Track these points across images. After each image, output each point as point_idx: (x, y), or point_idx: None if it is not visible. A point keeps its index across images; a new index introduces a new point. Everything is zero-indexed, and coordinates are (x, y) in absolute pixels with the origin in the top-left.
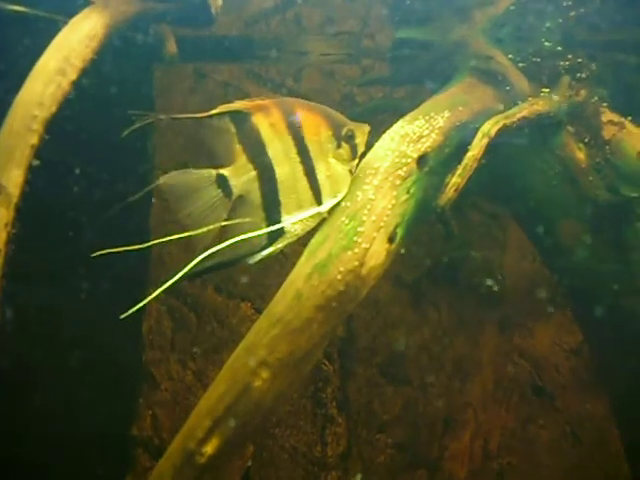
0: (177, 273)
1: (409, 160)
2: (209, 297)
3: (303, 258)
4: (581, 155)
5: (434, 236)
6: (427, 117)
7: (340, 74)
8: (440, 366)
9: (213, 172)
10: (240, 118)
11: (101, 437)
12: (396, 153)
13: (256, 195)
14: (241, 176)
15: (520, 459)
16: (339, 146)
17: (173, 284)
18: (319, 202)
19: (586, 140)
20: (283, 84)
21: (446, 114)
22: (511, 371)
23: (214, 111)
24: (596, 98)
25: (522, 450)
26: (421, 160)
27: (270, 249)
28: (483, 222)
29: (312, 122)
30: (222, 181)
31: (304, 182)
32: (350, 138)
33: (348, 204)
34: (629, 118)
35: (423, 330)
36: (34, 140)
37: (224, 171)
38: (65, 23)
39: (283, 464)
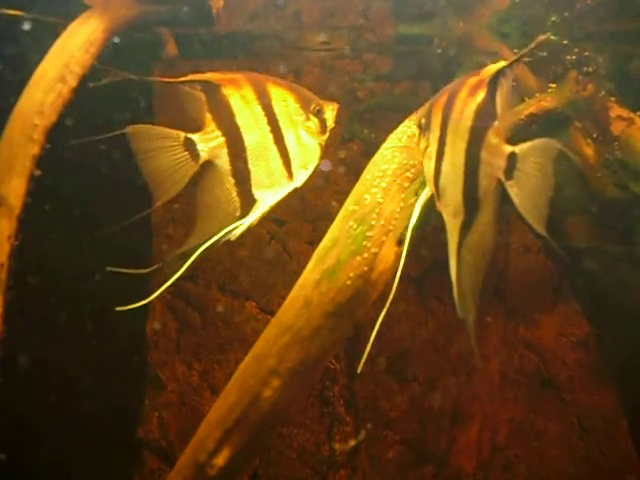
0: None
1: (417, 161)
2: (213, 297)
3: (311, 264)
4: (590, 151)
5: (438, 230)
6: None
7: (341, 69)
8: (446, 360)
9: (182, 134)
10: (211, 88)
11: (108, 440)
12: (404, 154)
13: (225, 161)
14: (209, 141)
15: (528, 451)
16: (308, 119)
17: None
18: (289, 172)
19: (594, 136)
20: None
21: None
22: (517, 363)
23: (185, 78)
24: (603, 92)
25: (530, 442)
26: None
27: (248, 221)
28: None
29: (281, 95)
30: (190, 144)
31: (274, 151)
32: (319, 112)
33: (356, 208)
34: (639, 113)
35: (428, 324)
36: (35, 150)
37: (192, 135)
38: (64, 27)
39: (291, 463)
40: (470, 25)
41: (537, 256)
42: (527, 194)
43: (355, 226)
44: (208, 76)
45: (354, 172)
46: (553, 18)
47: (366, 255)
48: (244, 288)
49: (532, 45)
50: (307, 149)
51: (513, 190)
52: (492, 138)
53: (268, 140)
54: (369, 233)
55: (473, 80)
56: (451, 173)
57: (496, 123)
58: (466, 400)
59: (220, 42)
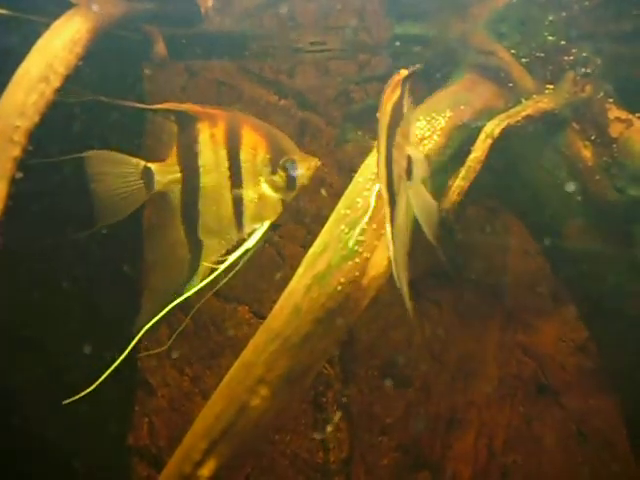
0: None
1: None
2: (205, 301)
3: (301, 269)
4: (587, 153)
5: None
6: (428, 118)
7: (336, 70)
8: (442, 365)
9: (142, 162)
10: (186, 120)
11: (97, 447)
12: None
13: (176, 197)
14: (167, 174)
15: (525, 458)
16: (274, 172)
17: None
18: (239, 222)
19: (592, 138)
20: (277, 81)
21: (448, 114)
22: (515, 369)
23: (161, 106)
24: (602, 94)
25: (527, 448)
26: None
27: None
28: (485, 218)
29: (252, 141)
30: (147, 173)
31: (227, 198)
32: (289, 167)
33: (348, 211)
34: (637, 115)
35: (424, 329)
36: (16, 152)
37: (152, 165)
38: (47, 26)
39: (284, 471)
40: (467, 25)
41: (535, 259)
42: (419, 198)
43: (346, 230)
44: (186, 107)
45: (348, 174)
46: (550, 18)
47: (357, 260)
48: (236, 292)
49: (416, 66)
50: (266, 203)
51: (410, 191)
52: (399, 137)
53: (224, 186)
54: (361, 237)
55: (396, 78)
56: (381, 165)
57: (402, 123)
58: (463, 406)
59: (212, 42)
